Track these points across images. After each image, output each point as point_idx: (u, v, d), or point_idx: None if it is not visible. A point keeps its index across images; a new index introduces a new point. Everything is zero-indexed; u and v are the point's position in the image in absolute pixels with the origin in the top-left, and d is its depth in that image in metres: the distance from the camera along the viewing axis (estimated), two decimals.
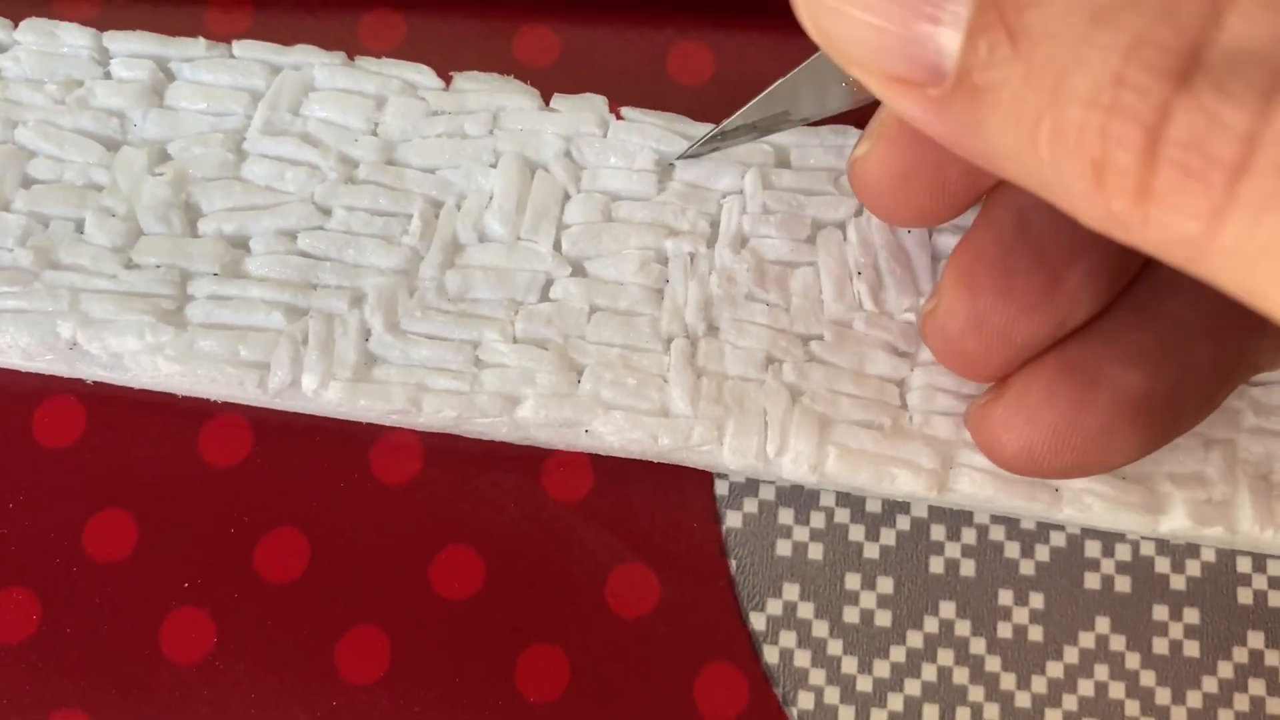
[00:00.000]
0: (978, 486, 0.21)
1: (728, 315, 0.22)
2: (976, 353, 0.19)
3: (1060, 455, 0.18)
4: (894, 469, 0.21)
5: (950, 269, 0.19)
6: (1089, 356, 0.18)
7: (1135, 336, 0.18)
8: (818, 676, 0.22)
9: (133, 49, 0.24)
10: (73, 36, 0.24)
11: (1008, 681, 0.22)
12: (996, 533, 0.23)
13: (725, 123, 0.21)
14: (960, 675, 0.22)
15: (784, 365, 0.22)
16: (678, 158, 0.23)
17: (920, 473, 0.21)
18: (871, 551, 0.23)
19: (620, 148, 0.23)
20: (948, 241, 0.23)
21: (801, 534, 0.23)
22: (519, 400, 0.22)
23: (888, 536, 0.23)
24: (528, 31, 0.26)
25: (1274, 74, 0.10)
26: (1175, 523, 0.21)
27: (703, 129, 0.24)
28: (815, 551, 0.23)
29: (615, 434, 0.22)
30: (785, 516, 0.23)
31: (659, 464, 0.23)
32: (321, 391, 0.22)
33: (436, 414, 0.22)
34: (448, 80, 0.24)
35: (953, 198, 0.19)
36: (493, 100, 0.24)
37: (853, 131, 0.24)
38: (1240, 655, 0.22)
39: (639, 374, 0.22)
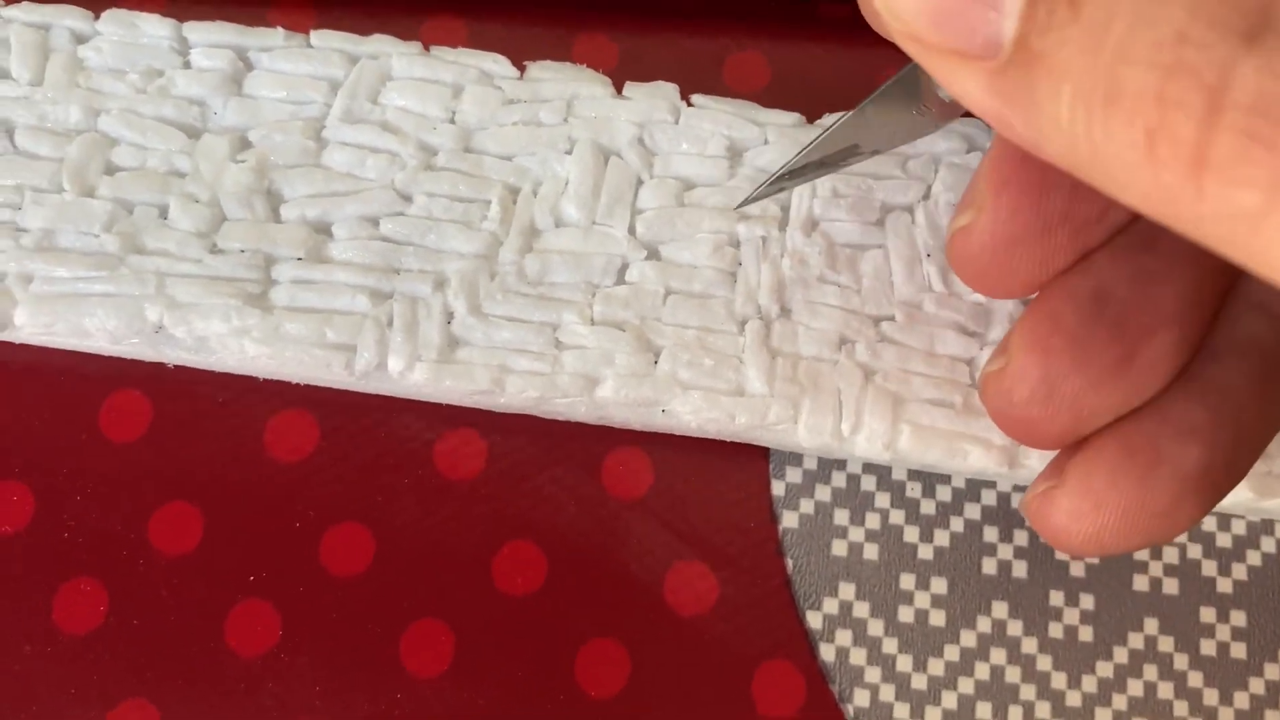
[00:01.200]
0: (1048, 460, 0.22)
1: (800, 297, 0.23)
2: (1039, 420, 0.18)
3: (1128, 538, 0.18)
4: (966, 445, 0.22)
5: (1022, 333, 0.18)
6: (1146, 436, 0.18)
7: (1187, 410, 0.18)
8: (873, 674, 0.22)
9: (211, 39, 0.25)
10: (153, 27, 0.25)
11: (1059, 681, 0.22)
12: None
13: (791, 160, 0.21)
14: (1012, 674, 0.22)
15: (857, 345, 0.23)
16: (741, 203, 0.22)
17: (991, 449, 0.22)
18: (925, 553, 0.23)
19: (692, 134, 0.24)
20: None
21: (857, 535, 0.23)
22: (598, 380, 0.22)
23: (941, 538, 0.23)
24: (586, 39, 0.27)
25: None
26: (1238, 495, 0.22)
27: (773, 115, 0.24)
28: (870, 552, 0.23)
29: (693, 413, 0.22)
30: (841, 517, 0.23)
31: (717, 464, 0.23)
32: (407, 373, 0.22)
33: (520, 394, 0.22)
34: (521, 69, 0.25)
35: (1059, 265, 0.18)
36: (566, 88, 0.24)
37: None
38: None
39: (715, 354, 0.22)
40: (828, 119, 0.24)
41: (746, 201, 0.22)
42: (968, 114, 0.18)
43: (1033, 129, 0.12)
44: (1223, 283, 0.18)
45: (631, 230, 0.23)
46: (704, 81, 0.25)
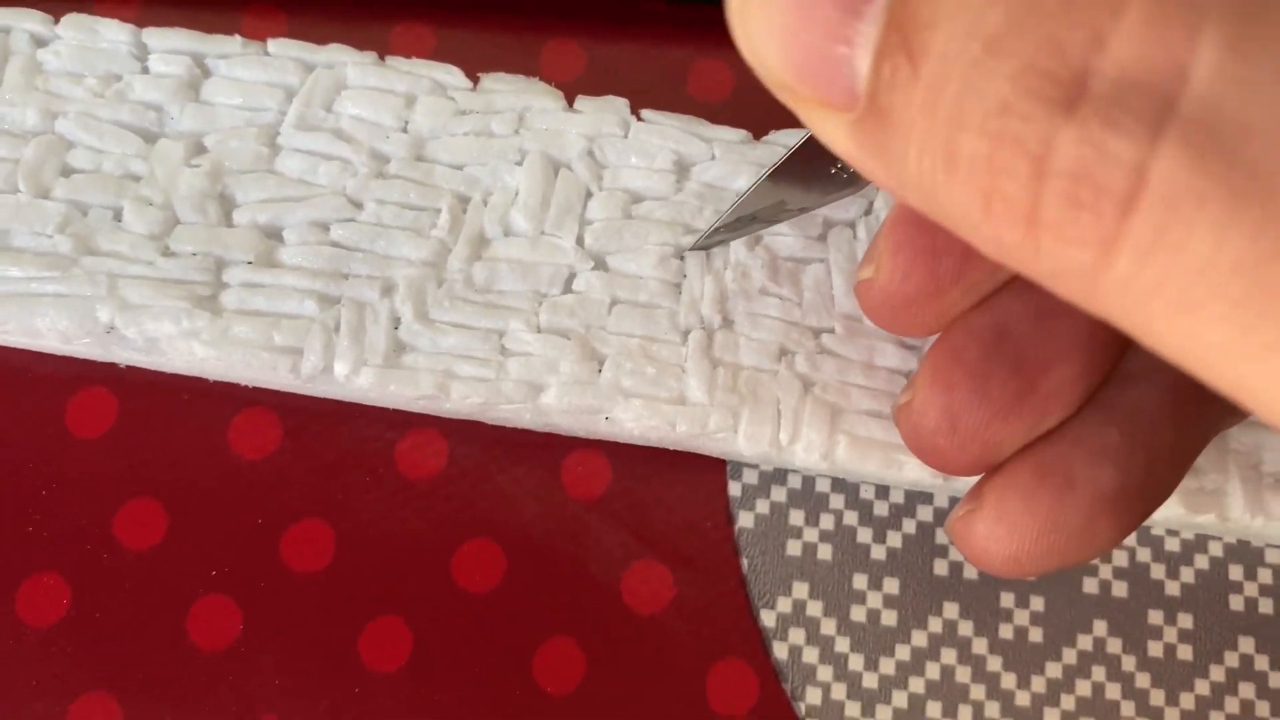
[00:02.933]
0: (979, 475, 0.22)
1: (742, 309, 0.23)
2: (948, 450, 0.19)
3: (1044, 558, 0.18)
4: (901, 457, 0.22)
5: (926, 368, 0.19)
6: (1059, 459, 0.18)
7: (1101, 433, 0.18)
8: (825, 673, 0.23)
9: (170, 45, 0.25)
10: (112, 32, 0.25)
11: (1008, 681, 0.23)
12: None
13: (723, 217, 0.21)
14: (963, 674, 0.23)
15: (796, 357, 0.23)
16: (686, 250, 0.23)
17: None
18: (879, 553, 0.24)
19: (641, 148, 0.24)
20: None
21: (811, 535, 0.24)
22: (542, 388, 0.23)
23: (894, 539, 0.24)
24: (554, 45, 0.27)
25: (1161, 102, 0.10)
26: (1169, 510, 0.22)
27: (720, 132, 0.25)
28: (824, 552, 0.24)
29: (635, 420, 0.23)
30: (796, 518, 0.24)
31: (674, 465, 0.24)
32: (353, 377, 0.23)
33: (464, 400, 0.23)
34: (475, 81, 0.25)
35: (956, 314, 0.19)
36: (519, 101, 0.25)
37: None
38: (1231, 659, 0.23)
39: (658, 363, 0.23)
40: (775, 135, 0.25)
41: (692, 249, 0.23)
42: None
43: (892, 179, 0.12)
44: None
45: (579, 241, 0.24)
46: (669, 88, 0.26)
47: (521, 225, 0.24)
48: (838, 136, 0.13)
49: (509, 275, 0.23)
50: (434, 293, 0.23)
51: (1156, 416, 0.18)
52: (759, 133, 0.25)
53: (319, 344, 0.23)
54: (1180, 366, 0.11)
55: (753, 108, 0.25)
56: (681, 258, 0.24)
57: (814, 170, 0.20)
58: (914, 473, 0.22)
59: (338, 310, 0.23)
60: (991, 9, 0.11)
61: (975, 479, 0.22)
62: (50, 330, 0.23)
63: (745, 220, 0.21)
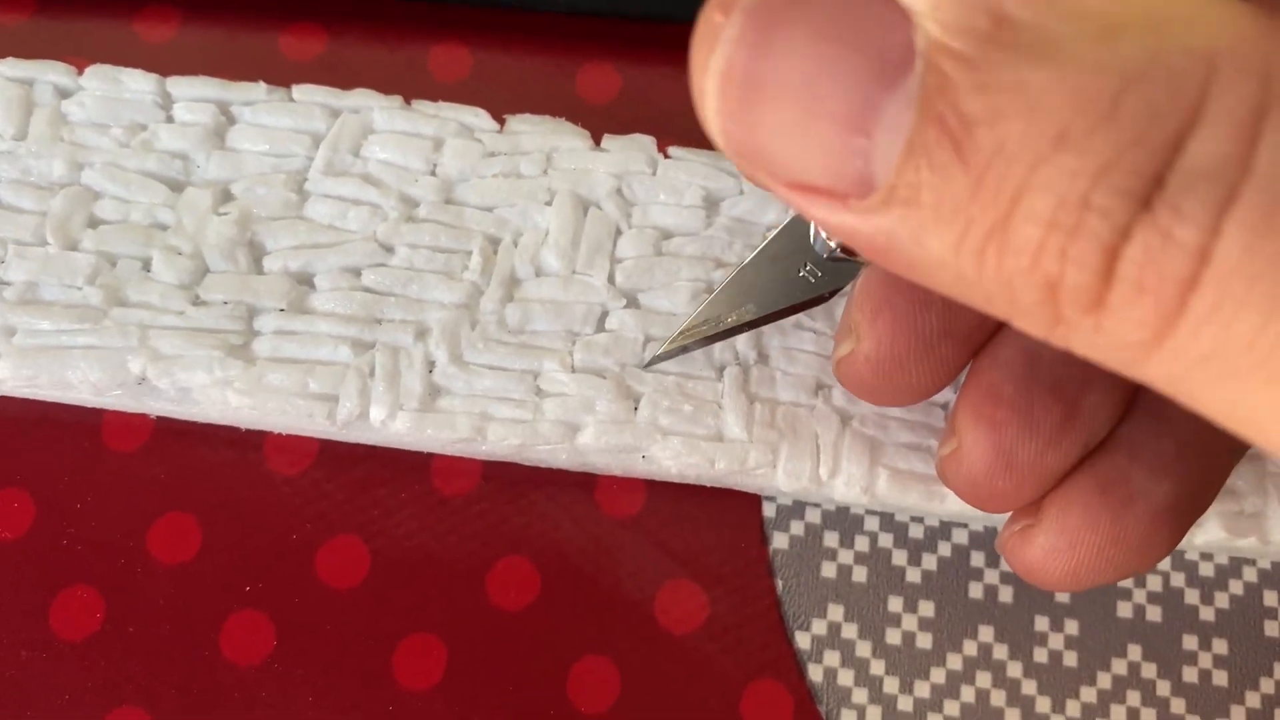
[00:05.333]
0: None
1: (777, 343, 0.23)
2: (1007, 490, 0.19)
3: (1103, 572, 0.18)
4: (943, 489, 0.22)
5: (965, 412, 0.19)
6: (1118, 472, 0.18)
7: (1156, 445, 0.18)
8: (860, 695, 0.23)
9: (195, 93, 0.25)
10: (136, 82, 0.25)
11: (1043, 705, 0.23)
12: None
13: (687, 322, 0.21)
14: (998, 698, 0.23)
15: (833, 390, 0.23)
16: (646, 364, 0.23)
17: None
18: (914, 576, 0.23)
19: (669, 185, 0.24)
20: None
21: (846, 557, 0.24)
22: (579, 427, 0.23)
23: (929, 562, 0.24)
24: (590, 68, 0.27)
25: (1226, 190, 0.11)
26: (1211, 534, 0.22)
27: None
28: (859, 574, 0.23)
29: (673, 459, 0.23)
30: (830, 540, 0.24)
31: (709, 485, 0.24)
32: (389, 422, 0.22)
33: (501, 442, 0.22)
34: (502, 122, 0.25)
35: (947, 372, 0.19)
36: (546, 141, 0.25)
37: None
38: (1267, 686, 0.23)
39: (694, 401, 0.23)
40: None
41: (653, 363, 0.23)
42: (858, 270, 0.19)
43: (912, 265, 0.12)
44: None
45: (611, 279, 0.24)
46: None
47: (553, 265, 0.24)
48: (832, 220, 0.13)
49: (542, 315, 0.23)
50: (468, 335, 0.23)
51: (1209, 424, 0.18)
52: None
53: (354, 390, 0.23)
54: (1221, 426, 0.12)
55: None
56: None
57: (780, 272, 0.20)
58: (955, 505, 0.22)
59: (372, 355, 0.23)
60: (1060, 106, 0.11)
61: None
62: (82, 383, 0.23)
63: (710, 324, 0.21)
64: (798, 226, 0.20)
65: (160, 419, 0.24)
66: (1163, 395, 0.18)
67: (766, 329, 0.23)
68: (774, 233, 0.20)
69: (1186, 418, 0.18)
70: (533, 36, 0.27)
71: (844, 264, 0.19)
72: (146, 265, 0.24)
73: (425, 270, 0.24)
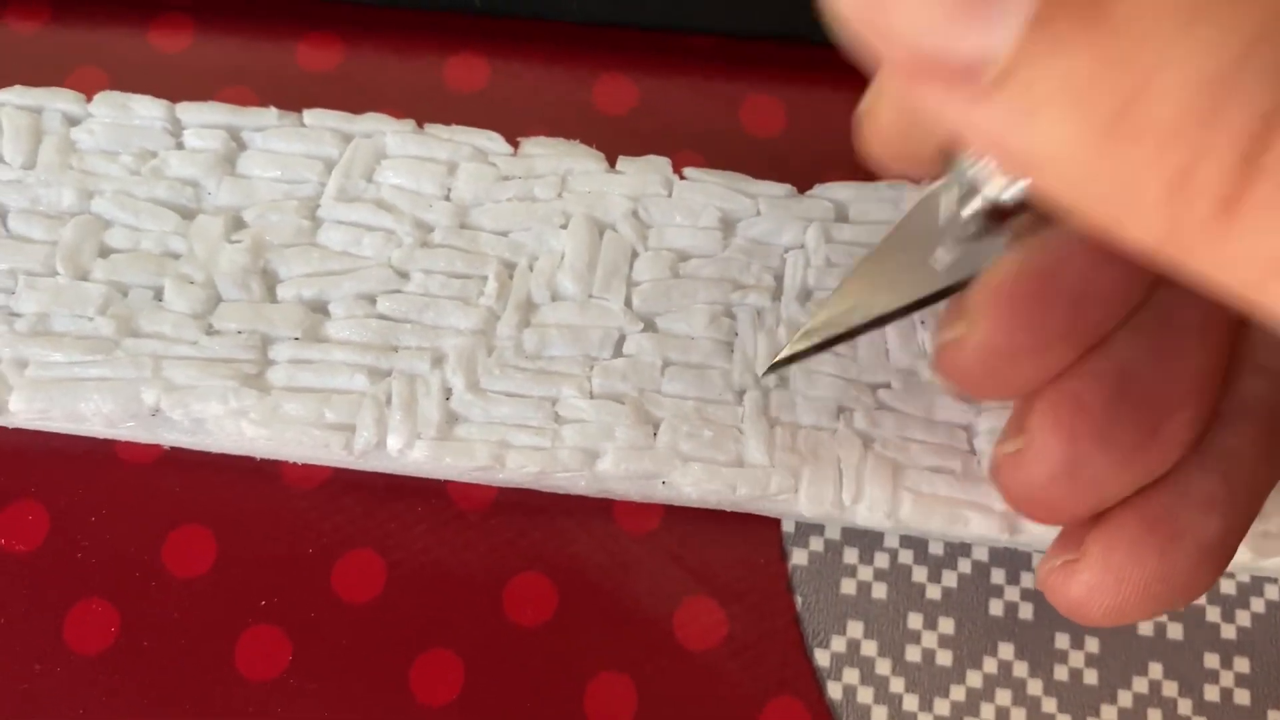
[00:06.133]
0: (1047, 528, 0.22)
1: (797, 366, 0.23)
2: (1060, 500, 0.18)
3: (1147, 608, 0.18)
4: (967, 512, 0.22)
5: (1043, 414, 0.18)
6: (1165, 509, 0.18)
7: (1204, 481, 0.18)
8: (880, 713, 0.22)
9: (205, 119, 0.25)
10: (145, 108, 0.25)
11: None
12: None
13: (807, 325, 0.20)
14: (1018, 716, 0.23)
15: (855, 413, 0.23)
16: (765, 371, 0.22)
17: (991, 515, 0.22)
18: (933, 593, 0.23)
19: (685, 206, 0.24)
20: None
21: (865, 573, 0.23)
22: (598, 454, 0.22)
23: (949, 579, 0.23)
24: (607, 79, 0.27)
25: None
26: (1237, 556, 0.22)
27: (764, 187, 0.25)
28: (879, 591, 0.23)
29: (693, 485, 0.22)
30: (850, 556, 0.24)
31: None
32: (407, 451, 0.22)
33: (520, 469, 0.22)
34: (515, 145, 0.25)
35: (1050, 375, 0.18)
36: (560, 164, 0.25)
37: (905, 185, 0.25)
38: None
39: (715, 425, 0.23)
40: (820, 189, 0.25)
41: (773, 369, 0.22)
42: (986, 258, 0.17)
43: (1029, 154, 0.12)
44: (1228, 352, 0.18)
45: (628, 303, 0.24)
46: (721, 124, 0.26)
47: (569, 289, 0.24)
48: (952, 102, 0.12)
49: (559, 340, 0.23)
50: (484, 361, 0.23)
51: (1254, 459, 0.18)
52: (805, 177, 0.25)
53: (371, 419, 0.22)
54: None
55: (806, 142, 0.25)
56: (733, 316, 0.23)
57: (909, 263, 0.18)
58: (979, 527, 0.22)
59: (388, 383, 0.23)
60: None
61: (1037, 531, 0.22)
62: (95, 415, 0.22)
63: (831, 340, 0.19)
64: (927, 207, 0.19)
65: None
66: (1213, 429, 0.18)
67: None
68: (899, 220, 0.19)
69: (1233, 452, 0.18)
70: (549, 47, 0.27)
71: (980, 245, 0.17)
72: (158, 294, 0.23)
73: (441, 296, 0.23)
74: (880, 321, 0.19)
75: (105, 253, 0.24)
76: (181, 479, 0.24)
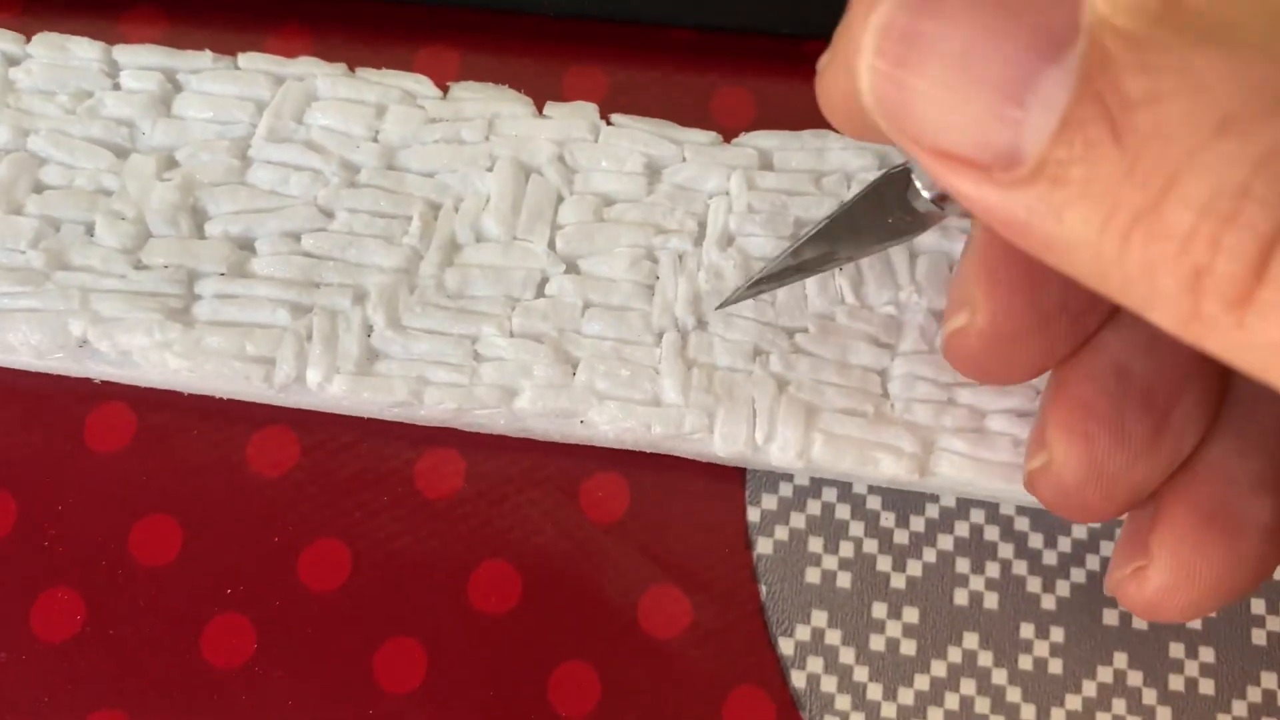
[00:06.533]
0: (957, 470, 0.22)
1: (716, 310, 0.23)
2: (1095, 502, 0.18)
3: (1223, 597, 0.18)
4: (877, 454, 0.22)
5: (1056, 425, 0.18)
6: (1219, 499, 0.18)
7: (1247, 464, 0.18)
8: (844, 702, 0.22)
9: (141, 61, 0.25)
10: (83, 50, 0.25)
11: (1028, 712, 0.22)
12: (1019, 567, 0.23)
13: (766, 267, 0.21)
14: (982, 705, 0.23)
15: (771, 356, 0.23)
16: (718, 306, 0.23)
17: (902, 457, 0.22)
18: (898, 582, 0.23)
19: (611, 152, 0.25)
20: (924, 240, 0.24)
21: (830, 563, 0.23)
22: (516, 392, 0.23)
23: (914, 568, 0.23)
24: (577, 71, 0.27)
25: None
26: None
27: (690, 134, 0.25)
28: (844, 580, 0.23)
29: (609, 423, 0.23)
30: (815, 545, 0.24)
31: (693, 490, 0.24)
32: (326, 385, 0.23)
33: (437, 405, 0.23)
34: (444, 89, 0.25)
35: (1057, 350, 0.18)
36: (488, 108, 0.25)
37: (831, 135, 0.25)
38: (1254, 695, 0.23)
39: (632, 366, 0.23)
40: (745, 137, 0.25)
41: (726, 304, 0.23)
42: (947, 216, 0.18)
43: (1049, 243, 0.12)
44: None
45: (551, 245, 0.24)
46: (691, 116, 0.25)
47: (493, 230, 0.24)
48: (983, 196, 0.13)
49: (481, 281, 0.23)
50: (406, 299, 0.23)
51: None
52: None
53: (291, 353, 0.23)
54: None
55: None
56: (655, 260, 0.24)
57: (871, 219, 0.19)
58: (889, 469, 0.22)
59: (310, 319, 0.23)
60: (1227, 90, 0.11)
61: (949, 473, 0.22)
62: (23, 345, 0.23)
63: (790, 271, 0.21)
64: (891, 182, 0.20)
65: (142, 421, 0.24)
66: (1236, 408, 0.18)
67: (705, 295, 0.23)
68: (863, 187, 0.20)
69: (1270, 430, 0.18)
70: (520, 39, 0.27)
71: (932, 214, 0.18)
72: (90, 230, 0.24)
73: (365, 235, 0.24)
74: (832, 261, 0.20)
75: (39, 188, 0.24)
76: (148, 468, 0.24)
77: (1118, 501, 0.18)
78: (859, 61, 0.13)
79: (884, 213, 0.19)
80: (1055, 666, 0.23)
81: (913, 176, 0.18)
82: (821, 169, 0.24)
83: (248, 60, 0.25)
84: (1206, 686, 0.23)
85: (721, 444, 0.23)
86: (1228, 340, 0.12)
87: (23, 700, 0.22)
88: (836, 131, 0.24)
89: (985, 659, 0.23)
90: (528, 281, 0.24)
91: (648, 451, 0.24)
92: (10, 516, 0.23)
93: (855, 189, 0.24)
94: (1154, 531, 0.19)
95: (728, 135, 0.25)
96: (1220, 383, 0.18)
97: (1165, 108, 0.11)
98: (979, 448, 0.22)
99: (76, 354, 0.23)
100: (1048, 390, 0.19)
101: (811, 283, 0.24)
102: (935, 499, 0.24)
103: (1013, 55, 0.12)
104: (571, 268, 0.24)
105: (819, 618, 0.23)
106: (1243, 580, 0.18)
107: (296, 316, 0.23)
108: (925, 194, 0.17)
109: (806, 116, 0.25)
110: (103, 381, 0.24)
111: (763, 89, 0.27)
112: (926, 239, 0.24)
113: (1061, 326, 0.18)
